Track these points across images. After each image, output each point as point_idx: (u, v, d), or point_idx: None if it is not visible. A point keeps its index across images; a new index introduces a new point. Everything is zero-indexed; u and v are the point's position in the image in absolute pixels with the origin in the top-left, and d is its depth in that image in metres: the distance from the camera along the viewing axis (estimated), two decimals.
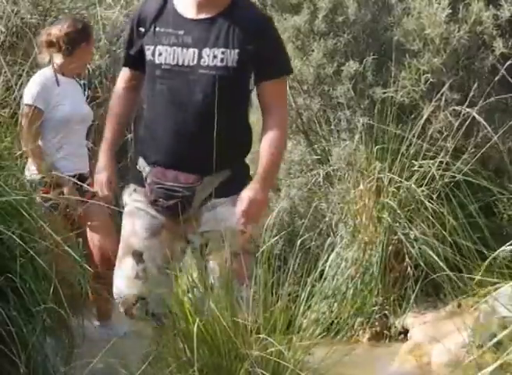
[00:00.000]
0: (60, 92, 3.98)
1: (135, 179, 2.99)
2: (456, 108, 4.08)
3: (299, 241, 4.32)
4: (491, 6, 4.12)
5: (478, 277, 3.40)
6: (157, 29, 2.87)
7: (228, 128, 2.80)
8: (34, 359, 2.97)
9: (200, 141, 2.82)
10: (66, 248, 3.17)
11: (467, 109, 4.04)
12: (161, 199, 2.85)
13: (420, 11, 4.16)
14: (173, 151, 2.86)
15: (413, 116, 4.24)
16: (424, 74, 4.13)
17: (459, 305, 3.91)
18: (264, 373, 2.42)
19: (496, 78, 4.07)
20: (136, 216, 2.93)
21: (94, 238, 4.06)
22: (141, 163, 2.94)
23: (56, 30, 4.03)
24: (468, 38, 4.12)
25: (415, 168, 4.16)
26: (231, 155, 2.87)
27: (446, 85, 4.09)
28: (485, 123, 4.03)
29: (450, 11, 4.09)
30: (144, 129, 2.99)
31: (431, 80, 4.12)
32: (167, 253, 2.81)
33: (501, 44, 4.08)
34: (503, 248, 3.04)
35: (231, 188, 2.86)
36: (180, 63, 2.83)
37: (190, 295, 2.58)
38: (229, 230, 2.77)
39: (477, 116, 4.01)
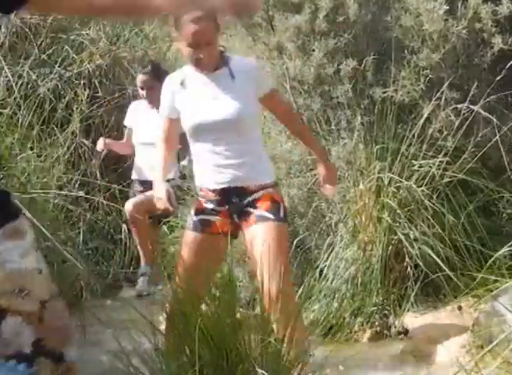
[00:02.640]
0: None
1: None
2: (457, 106, 4.07)
3: (298, 241, 4.36)
4: (489, 2, 4.08)
5: (478, 277, 3.41)
6: None
7: None
8: None
9: None
10: (67, 247, 3.17)
11: (470, 106, 4.02)
12: None
13: (417, 7, 4.16)
14: None
15: (413, 115, 4.24)
16: (423, 71, 4.12)
17: (459, 306, 3.91)
18: (265, 373, 2.42)
19: (498, 78, 4.06)
20: None
21: None
22: None
23: None
24: (467, 34, 4.11)
25: (415, 168, 4.16)
26: None
27: (446, 83, 4.09)
28: (489, 115, 4.01)
29: (448, 7, 4.08)
30: None
31: (430, 76, 4.11)
32: None
33: (500, 40, 4.06)
34: (504, 249, 3.04)
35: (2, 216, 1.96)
36: None
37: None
38: (19, 273, 1.94)
39: (481, 111, 3.99)
